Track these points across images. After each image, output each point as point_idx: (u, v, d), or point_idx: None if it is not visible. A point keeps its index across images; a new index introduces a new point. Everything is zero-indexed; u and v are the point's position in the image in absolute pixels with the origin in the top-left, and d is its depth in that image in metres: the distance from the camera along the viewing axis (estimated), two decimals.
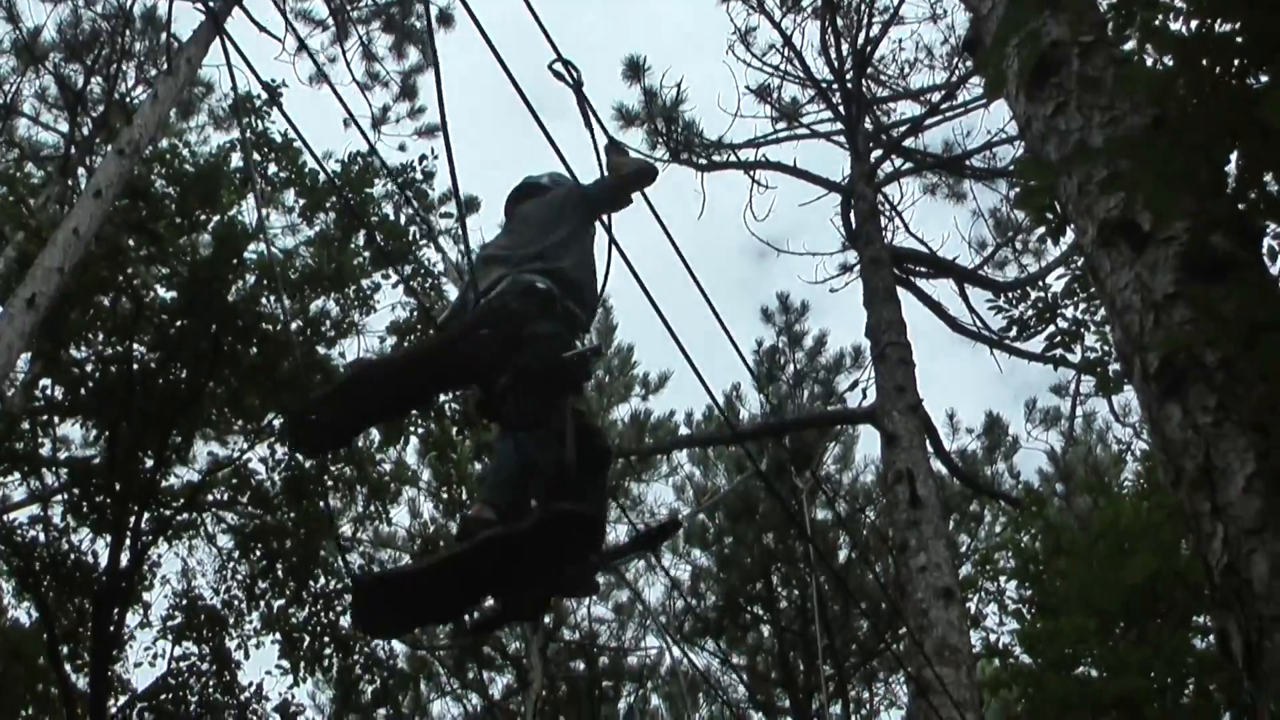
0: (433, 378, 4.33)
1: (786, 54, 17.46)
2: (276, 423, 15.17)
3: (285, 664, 15.14)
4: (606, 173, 5.70)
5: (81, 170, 16.50)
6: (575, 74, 5.00)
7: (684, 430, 22.92)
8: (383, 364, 4.29)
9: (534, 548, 3.99)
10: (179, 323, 14.11)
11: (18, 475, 15.31)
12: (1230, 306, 3.26)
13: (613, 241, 5.11)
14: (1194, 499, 3.47)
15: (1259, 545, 3.20)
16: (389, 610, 4.12)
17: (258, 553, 15.35)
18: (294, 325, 14.92)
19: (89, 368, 14.51)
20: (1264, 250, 3.83)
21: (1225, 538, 3.30)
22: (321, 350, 15.11)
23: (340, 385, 4.01)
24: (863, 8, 17.01)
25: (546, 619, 23.44)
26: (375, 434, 15.96)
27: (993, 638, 14.15)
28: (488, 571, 4.06)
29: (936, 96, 16.95)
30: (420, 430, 15.92)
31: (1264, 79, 3.28)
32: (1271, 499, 3.23)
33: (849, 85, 16.80)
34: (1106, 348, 11.40)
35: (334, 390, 4.15)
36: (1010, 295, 13.56)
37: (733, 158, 17.45)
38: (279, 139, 15.24)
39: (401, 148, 19.90)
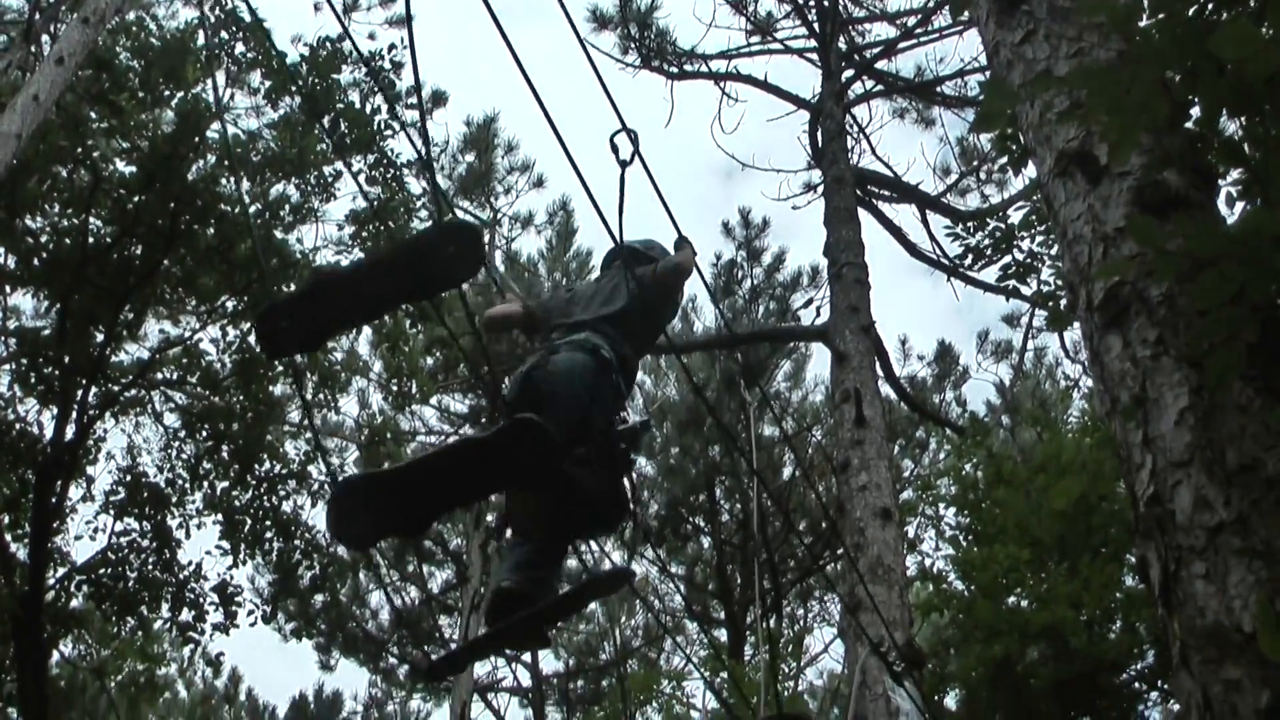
0: (395, 294, 4.35)
1: None
2: (230, 304, 15.08)
3: (225, 545, 15.14)
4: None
5: (45, 38, 16.20)
6: (634, 142, 4.94)
7: None
8: (348, 273, 4.30)
9: (499, 456, 4.07)
10: (137, 198, 13.95)
11: None
12: (1173, 240, 3.29)
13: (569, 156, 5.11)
14: (1126, 429, 3.52)
15: (1184, 478, 3.26)
16: (363, 516, 4.15)
17: (204, 434, 15.30)
18: (252, 208, 14.79)
19: (43, 238, 14.35)
20: (1220, 195, 3.87)
21: (1153, 469, 3.36)
22: (279, 235, 15.00)
23: (305, 292, 4.01)
24: None
25: (489, 517, 23.60)
26: None
27: (928, 562, 14.33)
28: (458, 478, 4.12)
29: (912, 20, 16.87)
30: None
31: (1224, 15, 3.29)
32: (1200, 433, 3.28)
33: (825, 2, 16.69)
34: (1060, 283, 11.49)
35: (298, 296, 4.16)
36: (969, 224, 13.58)
37: (704, 68, 17.33)
38: (247, 18, 15.01)
39: (371, 36, 19.60)
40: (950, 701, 13.50)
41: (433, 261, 3.78)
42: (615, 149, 4.93)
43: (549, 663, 25.73)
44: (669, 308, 6.39)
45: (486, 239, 24.01)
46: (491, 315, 6.48)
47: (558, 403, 5.18)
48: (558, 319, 5.95)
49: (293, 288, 13.67)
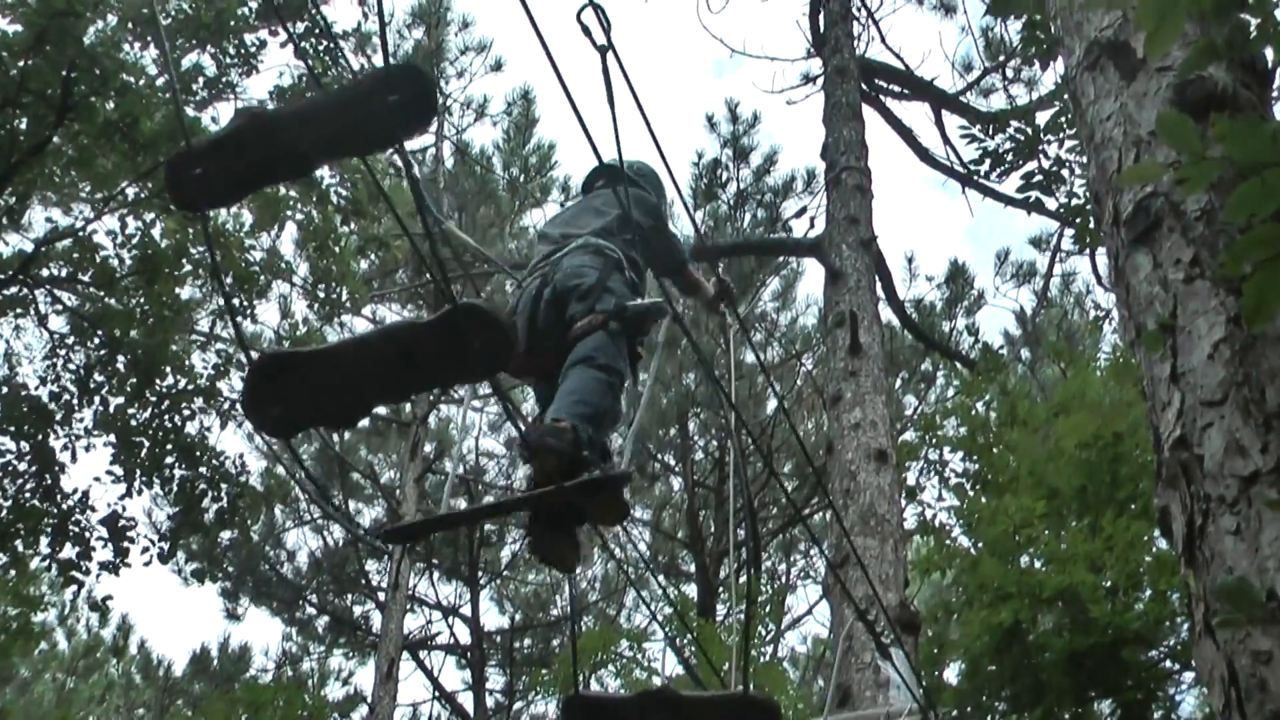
0: (328, 145, 4.34)
1: None
2: (131, 191, 14.95)
3: (117, 471, 15.07)
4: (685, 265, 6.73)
5: None
6: (605, 24, 4.90)
7: None
8: (276, 116, 4.25)
9: (439, 342, 4.07)
10: (23, 63, 13.77)
11: None
12: (1211, 144, 3.26)
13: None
14: (1152, 361, 3.53)
15: (1216, 419, 3.26)
16: (284, 397, 4.14)
17: (96, 341, 15.20)
18: (160, 80, 14.63)
19: None
20: (1274, 94, 3.85)
21: (1181, 407, 3.37)
22: (191, 112, 14.86)
23: (227, 135, 3.97)
24: None
25: (428, 446, 23.61)
26: (246, 216, 15.81)
27: (928, 514, 14.32)
28: (395, 365, 4.12)
29: None
30: (299, 216, 15.79)
31: None
32: (1236, 368, 3.28)
33: None
34: (1088, 194, 11.46)
35: (219, 140, 4.12)
36: (988, 126, 13.53)
37: None
38: None
39: None
40: (950, 674, 13.60)
41: (374, 108, 3.76)
42: (587, 30, 4.86)
43: (491, 618, 25.91)
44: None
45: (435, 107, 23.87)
46: None
47: (581, 292, 5.56)
48: (543, 248, 6.14)
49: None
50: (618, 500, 5.24)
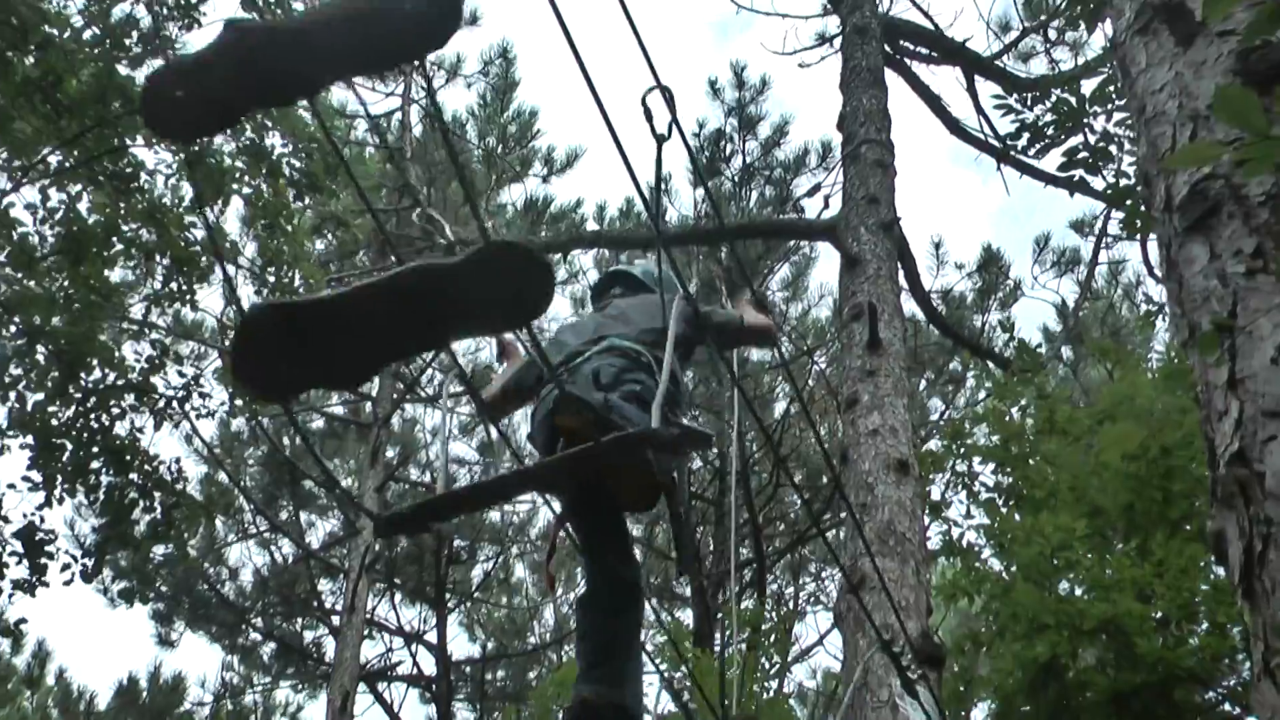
0: (337, 61, 4.31)
1: None
2: (54, 159, 14.92)
3: (36, 477, 15.04)
4: (731, 306, 6.93)
5: None
6: (672, 109, 4.85)
7: (591, 226, 22.91)
8: (275, 29, 4.19)
9: (468, 287, 4.02)
10: None
11: None
12: (1277, 120, 3.26)
13: None
14: (1207, 365, 3.52)
15: (1279, 432, 3.26)
16: (279, 357, 4.09)
17: (14, 329, 15.17)
18: (88, 33, 14.61)
19: None
20: None
21: (1239, 418, 3.36)
22: (123, 70, 14.83)
23: (215, 50, 3.93)
24: None
25: (390, 451, 23.60)
26: (187, 189, 15.76)
27: (955, 532, 14.29)
28: (408, 314, 4.08)
29: None
30: (247, 190, 15.76)
31: None
32: None
33: None
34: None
35: (207, 56, 4.08)
36: (1026, 95, 13.52)
37: None
38: None
39: None
40: (978, 715, 13.61)
41: (388, 19, 3.73)
42: (649, 115, 4.75)
43: (460, 645, 25.91)
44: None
45: (399, 89, 23.89)
46: (493, 393, 6.84)
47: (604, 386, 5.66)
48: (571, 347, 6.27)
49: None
50: (661, 470, 5.34)
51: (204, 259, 15.92)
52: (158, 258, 15.17)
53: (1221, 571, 11.56)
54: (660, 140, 4.75)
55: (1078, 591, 12.37)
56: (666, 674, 17.11)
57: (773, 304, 23.04)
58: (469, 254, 3.94)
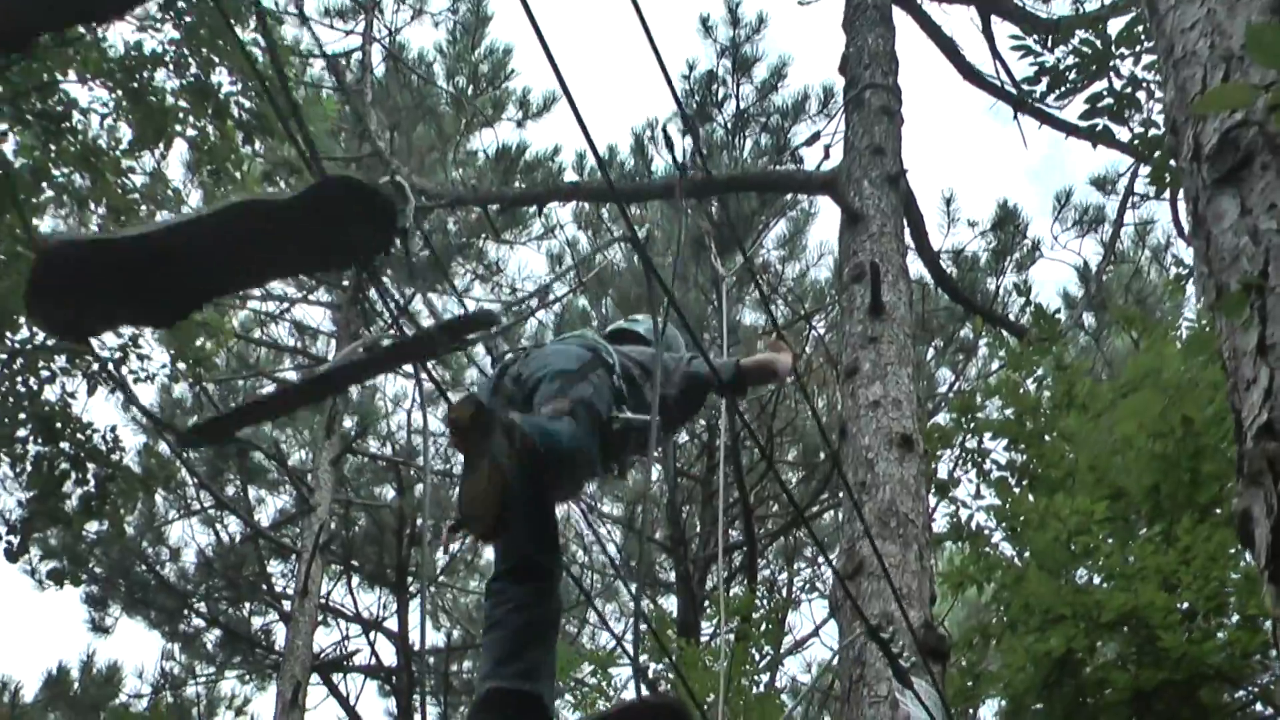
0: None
1: None
2: None
3: None
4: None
5: None
6: (692, 130, 4.99)
7: (570, 177, 22.86)
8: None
9: (302, 224, 4.04)
10: None
11: None
12: None
13: None
14: (1234, 329, 3.52)
15: None
16: (81, 295, 4.10)
17: None
18: None
19: None
20: None
21: (1269, 386, 3.36)
22: None
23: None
24: None
25: (348, 422, 23.60)
26: (125, 130, 15.72)
27: (964, 514, 14.30)
28: (233, 250, 4.09)
29: None
30: (191, 132, 15.72)
31: None
32: None
33: None
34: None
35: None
36: (1047, 36, 13.50)
37: None
38: None
39: None
40: (986, 713, 13.64)
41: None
42: (669, 142, 4.90)
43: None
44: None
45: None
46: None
47: (553, 374, 5.84)
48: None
49: None
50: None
51: (144, 207, 15.89)
52: (92, 206, 15.12)
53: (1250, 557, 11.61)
54: (681, 170, 4.83)
55: (1096, 580, 12.36)
56: (646, 667, 17.16)
57: (768, 264, 23.04)
58: (302, 190, 3.97)
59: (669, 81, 4.27)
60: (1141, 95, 12.07)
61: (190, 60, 14.72)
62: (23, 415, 15.12)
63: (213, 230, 4.02)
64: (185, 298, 4.30)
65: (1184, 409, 11.76)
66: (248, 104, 15.63)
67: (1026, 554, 12.70)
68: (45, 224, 15.28)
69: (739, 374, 6.95)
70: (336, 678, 24.46)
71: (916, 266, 14.57)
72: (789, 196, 22.11)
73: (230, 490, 24.35)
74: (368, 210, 3.96)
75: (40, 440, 15.24)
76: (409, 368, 6.59)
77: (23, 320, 14.97)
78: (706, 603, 21.53)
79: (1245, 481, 3.41)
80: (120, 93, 14.76)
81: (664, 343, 6.30)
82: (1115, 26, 13.20)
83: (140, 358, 15.77)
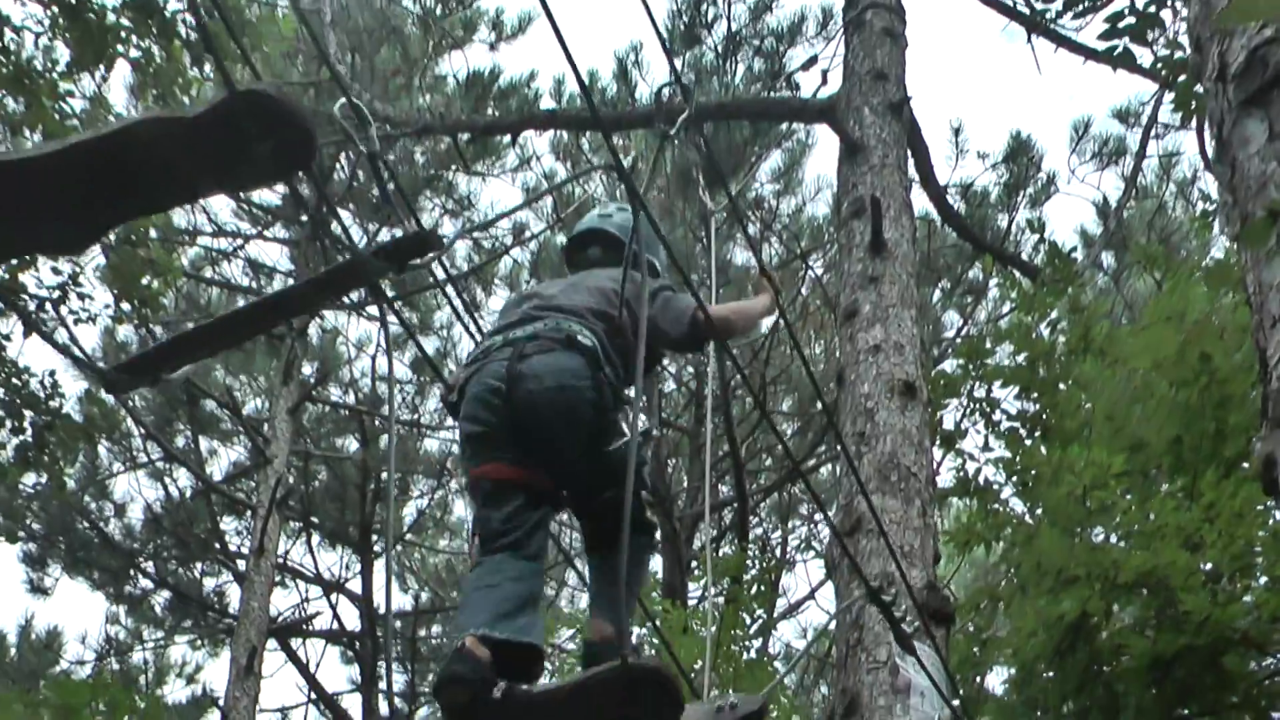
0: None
1: None
2: None
3: None
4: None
5: None
6: (687, 96, 4.91)
7: (547, 104, 22.78)
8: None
9: (207, 145, 4.04)
10: None
11: None
12: None
13: None
14: (1258, 261, 3.51)
15: None
16: None
17: None
18: None
19: None
20: None
21: None
22: None
23: None
24: None
25: (307, 368, 23.56)
26: (62, 50, 15.68)
27: (971, 468, 14.29)
28: (130, 173, 4.09)
29: None
30: (135, 53, 15.67)
31: None
32: None
33: None
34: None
35: None
36: None
37: None
38: None
39: None
40: (993, 680, 13.66)
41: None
42: (660, 104, 4.84)
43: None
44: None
45: None
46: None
47: (555, 436, 5.92)
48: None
49: None
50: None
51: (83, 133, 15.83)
52: (26, 131, 15.08)
53: None
54: (664, 136, 4.78)
55: (1113, 539, 12.33)
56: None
57: (761, 199, 23.02)
58: (211, 105, 3.96)
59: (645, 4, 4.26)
60: (1166, 14, 12.00)
61: None
62: None
63: (118, 149, 4.00)
64: (99, 220, 4.29)
65: (1203, 345, 11.69)
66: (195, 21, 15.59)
67: (1038, 510, 12.68)
68: None
69: (695, 325, 6.57)
70: (295, 643, 24.53)
71: (921, 201, 14.54)
72: (784, 126, 22.08)
73: (180, 441, 24.35)
74: (284, 124, 3.95)
75: None
76: (374, 310, 6.60)
77: None
78: (694, 563, 21.59)
79: (1270, 424, 3.40)
80: (56, 9, 14.70)
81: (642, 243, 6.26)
82: None
83: (81, 297, 15.73)
